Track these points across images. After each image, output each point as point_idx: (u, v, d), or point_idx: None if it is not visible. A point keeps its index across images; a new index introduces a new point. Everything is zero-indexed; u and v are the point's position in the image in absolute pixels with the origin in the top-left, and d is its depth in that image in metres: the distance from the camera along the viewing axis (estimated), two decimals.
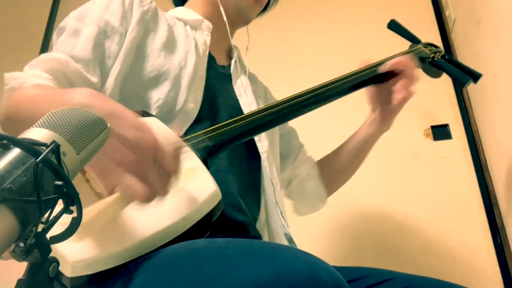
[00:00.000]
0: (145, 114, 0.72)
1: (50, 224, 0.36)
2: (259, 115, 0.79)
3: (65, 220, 0.37)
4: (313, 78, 0.91)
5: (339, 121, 1.42)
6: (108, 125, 0.43)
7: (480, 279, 1.19)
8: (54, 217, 0.36)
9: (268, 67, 1.44)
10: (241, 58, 1.03)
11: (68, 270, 0.49)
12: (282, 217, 0.85)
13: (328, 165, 1.06)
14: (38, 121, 0.38)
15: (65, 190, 0.35)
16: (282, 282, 0.43)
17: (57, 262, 0.37)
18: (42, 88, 0.67)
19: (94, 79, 0.75)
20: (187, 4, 1.00)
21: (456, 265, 1.22)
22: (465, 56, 1.44)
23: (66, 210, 0.36)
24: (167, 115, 0.77)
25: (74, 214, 0.38)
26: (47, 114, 0.39)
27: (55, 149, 0.36)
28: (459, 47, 1.52)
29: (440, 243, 1.26)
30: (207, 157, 0.69)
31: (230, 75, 0.95)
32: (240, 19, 0.98)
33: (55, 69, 0.72)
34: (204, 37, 0.91)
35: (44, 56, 0.74)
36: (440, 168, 1.37)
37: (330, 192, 1.06)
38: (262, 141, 0.90)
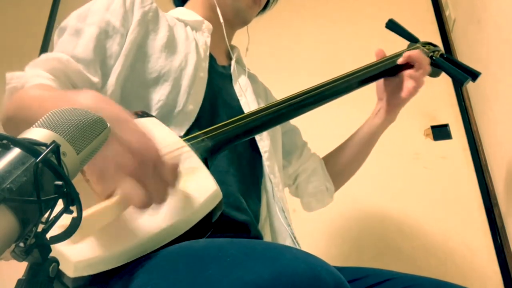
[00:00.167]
0: (145, 114, 0.72)
1: (50, 224, 0.36)
2: (259, 114, 0.79)
3: (65, 221, 0.37)
4: (313, 78, 0.91)
5: (339, 121, 1.42)
6: (108, 125, 0.43)
7: (480, 279, 1.19)
8: (54, 217, 0.36)
9: (268, 67, 1.44)
10: (241, 58, 1.03)
11: (70, 270, 0.49)
12: (285, 216, 0.86)
13: (334, 159, 1.07)
14: (38, 121, 0.38)
15: (65, 190, 0.35)
16: (282, 282, 0.43)
17: (57, 262, 0.37)
18: (45, 89, 0.66)
19: (95, 79, 0.75)
20: (187, 4, 1.00)
21: (456, 265, 1.22)
22: (465, 56, 1.44)
23: (66, 210, 0.36)
24: (167, 116, 0.77)
25: (74, 214, 0.37)
26: (47, 114, 0.39)
27: (55, 149, 0.35)
28: (459, 47, 1.52)
29: (440, 243, 1.26)
30: (207, 156, 0.69)
31: (230, 75, 0.95)
32: (238, 20, 0.99)
33: (57, 69, 0.72)
34: (204, 38, 0.91)
35: (45, 56, 0.74)
36: (440, 168, 1.37)
37: (336, 187, 1.07)
38: (263, 140, 0.90)
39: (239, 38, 1.04)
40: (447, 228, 1.27)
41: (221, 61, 0.97)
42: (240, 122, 0.76)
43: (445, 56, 1.01)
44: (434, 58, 0.99)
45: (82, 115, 0.40)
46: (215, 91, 0.87)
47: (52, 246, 0.37)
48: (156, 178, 0.51)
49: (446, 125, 1.42)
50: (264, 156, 0.89)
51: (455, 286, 0.75)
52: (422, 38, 1.05)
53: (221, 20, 0.93)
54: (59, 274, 0.48)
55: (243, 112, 0.88)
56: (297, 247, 0.82)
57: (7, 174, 0.32)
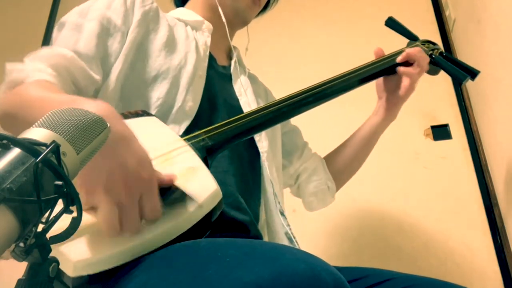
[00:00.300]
0: (145, 113, 0.72)
1: (50, 224, 0.36)
2: (259, 113, 0.79)
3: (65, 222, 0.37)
4: (313, 78, 0.91)
5: (339, 121, 1.42)
6: (108, 125, 0.43)
7: (480, 279, 1.18)
8: (54, 217, 0.36)
9: (268, 67, 1.44)
10: (241, 58, 1.03)
11: (70, 270, 0.49)
12: (283, 216, 0.86)
13: (334, 158, 1.07)
14: (38, 121, 0.38)
15: (65, 190, 0.35)
16: (282, 282, 0.43)
17: (57, 262, 0.37)
18: (49, 89, 0.64)
19: (97, 76, 0.75)
20: (187, 5, 1.01)
21: (456, 265, 1.22)
22: (465, 56, 1.44)
23: (66, 210, 0.36)
24: (166, 114, 0.77)
25: (74, 214, 0.37)
26: (47, 114, 0.39)
27: (55, 149, 0.35)
28: (459, 47, 1.51)
29: (440, 243, 1.26)
30: (207, 156, 0.70)
31: (230, 75, 0.95)
32: (238, 20, 0.99)
33: (60, 65, 0.71)
34: (204, 38, 0.91)
35: (47, 50, 0.73)
36: (440, 168, 1.37)
37: (337, 187, 1.07)
38: (262, 141, 0.90)
39: (239, 38, 1.04)
40: (447, 228, 1.27)
41: (221, 61, 0.97)
42: (240, 122, 0.76)
43: (444, 54, 1.01)
44: (433, 56, 0.99)
45: (82, 115, 0.40)
46: (215, 91, 0.87)
47: (52, 246, 0.37)
48: (136, 210, 0.52)
49: (446, 125, 1.42)
50: (263, 156, 0.89)
51: (455, 286, 0.75)
52: (422, 38, 1.05)
53: (224, 20, 0.93)
54: (59, 274, 0.48)
55: (242, 112, 0.88)
56: (296, 247, 0.82)
57: (7, 174, 0.32)
